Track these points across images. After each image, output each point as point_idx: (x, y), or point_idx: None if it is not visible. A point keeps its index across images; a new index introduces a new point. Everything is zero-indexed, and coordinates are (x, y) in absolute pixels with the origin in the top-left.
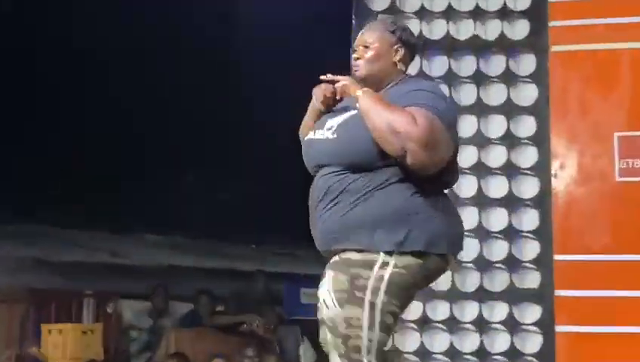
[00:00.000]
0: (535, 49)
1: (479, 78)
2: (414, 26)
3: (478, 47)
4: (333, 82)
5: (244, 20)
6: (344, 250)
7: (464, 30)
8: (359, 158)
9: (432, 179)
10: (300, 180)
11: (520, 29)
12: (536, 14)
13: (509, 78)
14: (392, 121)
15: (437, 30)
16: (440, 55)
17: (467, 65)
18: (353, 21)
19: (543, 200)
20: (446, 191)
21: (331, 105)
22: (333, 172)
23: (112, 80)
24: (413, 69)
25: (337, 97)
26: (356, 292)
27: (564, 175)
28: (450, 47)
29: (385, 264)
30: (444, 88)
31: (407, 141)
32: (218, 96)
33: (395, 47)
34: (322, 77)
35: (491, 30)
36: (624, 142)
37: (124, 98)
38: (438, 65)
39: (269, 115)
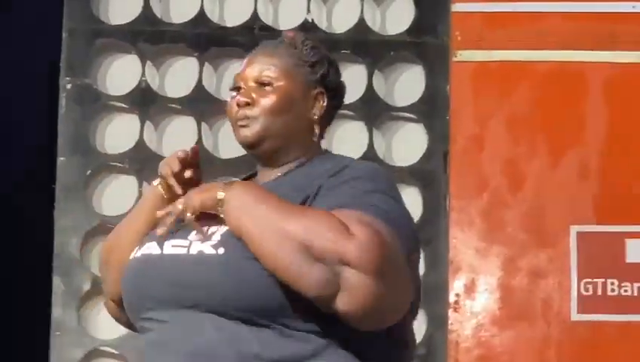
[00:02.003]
0: (422, 56)
1: None
2: None
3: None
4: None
5: None
6: None
7: (287, 10)
8: (266, 300)
9: (389, 342)
10: None
11: (396, 17)
12: None
13: (371, 109)
14: (304, 236)
15: (233, 9)
16: (184, 55)
17: None
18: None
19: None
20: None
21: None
22: (212, 319)
23: None
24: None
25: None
26: None
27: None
28: (252, 39)
29: None
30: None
31: (340, 267)
32: None
33: (315, 92)
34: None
35: (340, 15)
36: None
37: None
38: (179, 74)
39: None
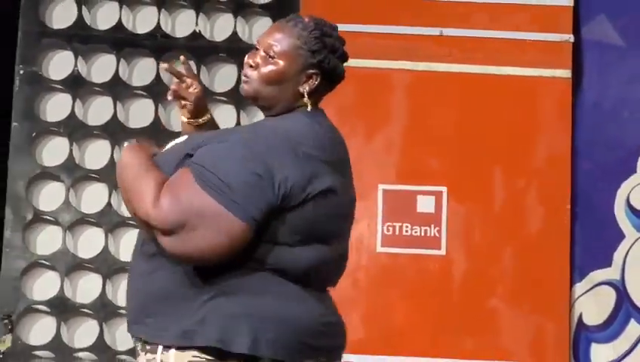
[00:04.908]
0: None
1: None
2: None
3: (196, 48)
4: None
5: None
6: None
7: (182, 23)
8: None
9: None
10: None
11: (260, 30)
12: (283, 9)
13: (239, 96)
14: (134, 197)
15: (142, 21)
16: (106, 53)
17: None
18: None
19: None
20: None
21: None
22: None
23: None
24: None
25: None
26: None
27: None
28: (156, 47)
29: None
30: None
31: (150, 228)
32: None
33: (310, 72)
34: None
35: (219, 27)
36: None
37: None
38: (101, 66)
39: None
